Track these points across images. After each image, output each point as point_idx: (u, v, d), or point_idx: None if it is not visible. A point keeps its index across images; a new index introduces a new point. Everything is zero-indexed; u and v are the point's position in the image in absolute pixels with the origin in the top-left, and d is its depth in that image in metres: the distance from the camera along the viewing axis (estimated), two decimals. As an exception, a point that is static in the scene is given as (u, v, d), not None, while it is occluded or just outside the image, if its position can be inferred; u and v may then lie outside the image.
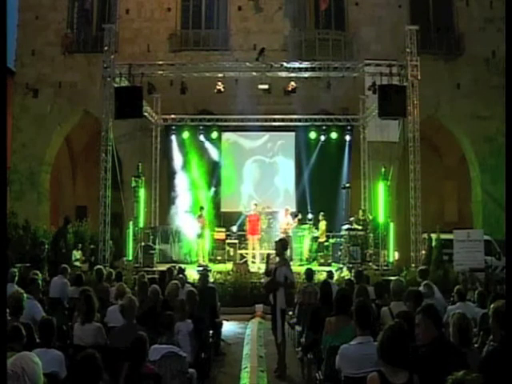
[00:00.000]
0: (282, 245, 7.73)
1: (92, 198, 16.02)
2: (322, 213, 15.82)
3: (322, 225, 15.81)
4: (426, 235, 14.34)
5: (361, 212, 15.55)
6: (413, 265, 13.08)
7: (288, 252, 13.42)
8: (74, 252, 13.75)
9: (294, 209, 16.87)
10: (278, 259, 7.66)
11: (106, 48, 13.58)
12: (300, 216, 15.84)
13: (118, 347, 4.77)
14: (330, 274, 10.26)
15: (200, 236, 15.09)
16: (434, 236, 14.37)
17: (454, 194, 20.53)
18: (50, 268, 11.46)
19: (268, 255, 9.48)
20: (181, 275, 9.25)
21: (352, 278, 9.15)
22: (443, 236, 14.27)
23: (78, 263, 13.48)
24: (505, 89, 4.76)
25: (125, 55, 16.37)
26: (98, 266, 9.40)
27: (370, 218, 15.51)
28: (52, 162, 19.01)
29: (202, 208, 15.66)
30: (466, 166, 18.90)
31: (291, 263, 13.68)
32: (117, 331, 5.32)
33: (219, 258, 15.40)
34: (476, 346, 4.70)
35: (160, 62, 14.54)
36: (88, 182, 18.73)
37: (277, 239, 8.14)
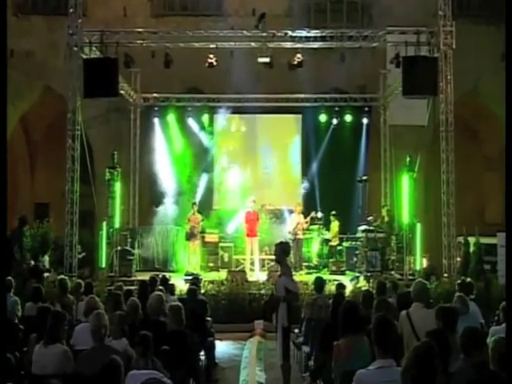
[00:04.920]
0: (282, 248, 7.65)
1: (55, 193, 15.99)
2: (333, 212, 15.84)
3: (335, 226, 15.83)
4: (461, 239, 14.34)
5: (385, 211, 15.52)
6: (445, 274, 13.08)
7: (293, 258, 13.57)
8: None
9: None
10: (278, 268, 7.62)
11: (71, 10, 13.44)
12: (314, 214, 15.74)
13: (86, 374, 4.75)
14: (341, 287, 9.37)
15: (192, 237, 15.11)
16: (471, 240, 14.35)
17: (498, 189, 20.45)
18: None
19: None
20: (163, 286, 9.23)
21: (371, 289, 9.10)
22: (484, 240, 14.25)
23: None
24: (505, 87, 4.82)
25: (95, 20, 16.30)
26: (61, 276, 9.36)
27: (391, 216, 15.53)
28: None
29: (194, 204, 15.69)
30: (510, 155, 18.87)
31: (300, 272, 13.99)
32: (85, 355, 5.31)
33: (211, 264, 15.46)
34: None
35: (139, 30, 14.49)
36: (50, 175, 18.67)
37: (276, 242, 7.97)
